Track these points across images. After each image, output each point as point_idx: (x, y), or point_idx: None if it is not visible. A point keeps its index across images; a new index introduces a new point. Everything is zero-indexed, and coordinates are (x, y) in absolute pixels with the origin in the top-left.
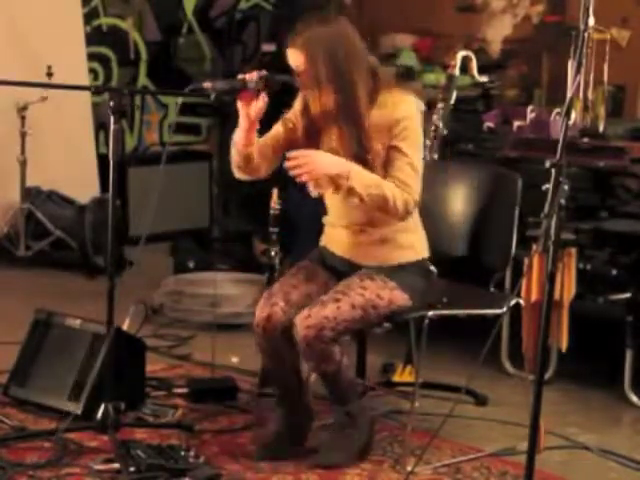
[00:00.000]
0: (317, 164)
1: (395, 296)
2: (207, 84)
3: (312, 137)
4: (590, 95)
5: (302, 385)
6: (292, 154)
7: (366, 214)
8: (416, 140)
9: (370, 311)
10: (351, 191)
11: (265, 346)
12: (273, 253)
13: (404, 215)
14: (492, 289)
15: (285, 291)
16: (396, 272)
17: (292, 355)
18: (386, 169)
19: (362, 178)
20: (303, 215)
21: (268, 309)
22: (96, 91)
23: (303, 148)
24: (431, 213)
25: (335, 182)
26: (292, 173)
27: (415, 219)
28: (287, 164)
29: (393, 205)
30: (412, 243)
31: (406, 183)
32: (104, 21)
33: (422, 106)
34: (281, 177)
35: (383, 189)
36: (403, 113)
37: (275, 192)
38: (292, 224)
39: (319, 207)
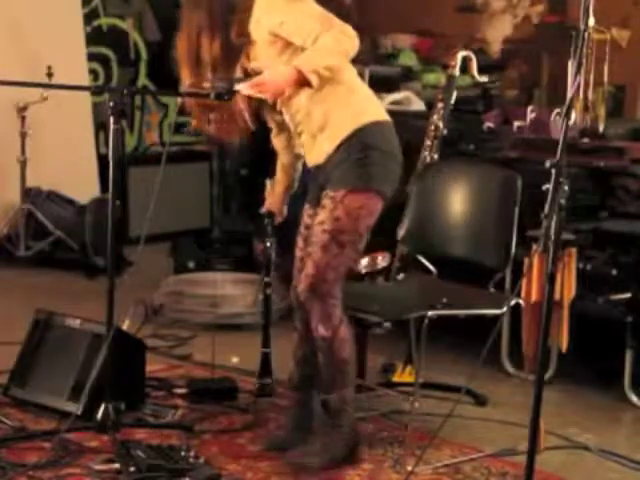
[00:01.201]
0: (272, 85)
1: (351, 202)
2: (206, 84)
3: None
4: (590, 95)
5: None
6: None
7: (300, 108)
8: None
9: (342, 237)
10: (311, 77)
11: (302, 317)
12: (269, 244)
13: (352, 42)
14: (492, 289)
15: (297, 269)
16: (341, 164)
17: None
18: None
19: (305, 62)
20: (298, 213)
21: (293, 292)
22: (96, 91)
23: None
24: (431, 213)
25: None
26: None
27: (342, 90)
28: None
29: (343, 41)
30: (345, 117)
31: (319, 33)
32: (104, 21)
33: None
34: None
35: (321, 48)
36: None
37: (268, 183)
38: (287, 221)
39: None
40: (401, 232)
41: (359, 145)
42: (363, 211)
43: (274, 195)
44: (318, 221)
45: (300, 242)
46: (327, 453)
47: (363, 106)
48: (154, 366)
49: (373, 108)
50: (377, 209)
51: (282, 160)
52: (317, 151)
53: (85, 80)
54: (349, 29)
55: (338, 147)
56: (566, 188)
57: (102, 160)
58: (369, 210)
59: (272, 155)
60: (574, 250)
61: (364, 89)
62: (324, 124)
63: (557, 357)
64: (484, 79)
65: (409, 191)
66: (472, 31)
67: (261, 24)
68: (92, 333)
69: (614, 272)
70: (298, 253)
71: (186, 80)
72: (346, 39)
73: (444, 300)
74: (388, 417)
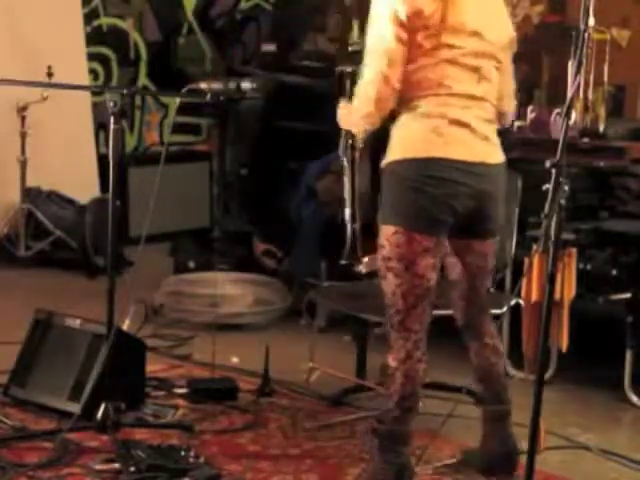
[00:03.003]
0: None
1: (385, 231)
2: (204, 85)
3: None
4: (590, 95)
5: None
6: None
7: None
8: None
9: (392, 265)
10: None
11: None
12: None
13: (366, 101)
14: (492, 289)
15: None
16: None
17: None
18: None
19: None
20: (303, 218)
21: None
22: (96, 91)
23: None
24: None
25: None
26: None
27: (413, 114)
28: None
29: (358, 104)
30: (396, 142)
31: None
32: (104, 21)
33: None
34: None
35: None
36: None
37: None
38: (292, 226)
39: (319, 213)
40: None
41: (391, 178)
42: (399, 239)
43: None
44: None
45: None
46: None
47: (421, 138)
48: (154, 366)
49: (429, 143)
50: (411, 240)
51: None
52: None
53: (85, 80)
54: (364, 87)
55: (384, 168)
56: (566, 188)
57: (102, 160)
58: (402, 241)
59: (272, 156)
60: (574, 250)
61: (441, 121)
62: (391, 137)
63: (557, 357)
64: None
65: None
66: None
67: None
68: (92, 333)
69: (614, 272)
70: None
71: None
72: (362, 96)
73: (444, 300)
74: None
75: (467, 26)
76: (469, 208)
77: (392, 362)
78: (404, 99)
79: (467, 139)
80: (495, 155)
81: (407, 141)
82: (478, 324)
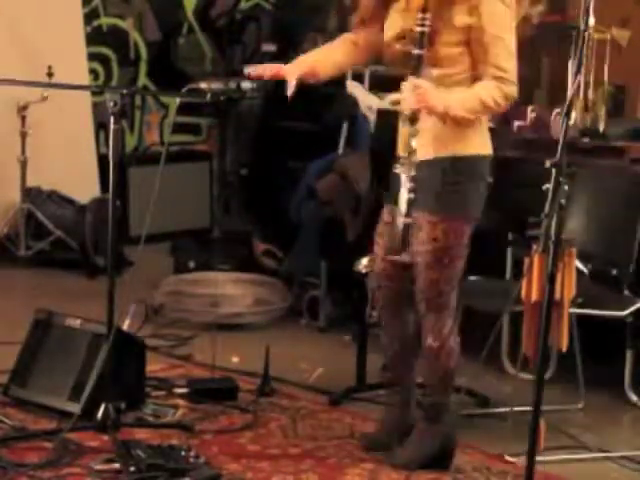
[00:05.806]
0: (427, 100)
1: (446, 226)
2: (204, 85)
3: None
4: (590, 95)
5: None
6: (411, 83)
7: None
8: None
9: (446, 253)
10: (453, 116)
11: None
12: None
13: (507, 106)
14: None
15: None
16: (431, 181)
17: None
18: (480, 55)
19: (458, 103)
20: (302, 218)
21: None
22: (96, 91)
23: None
24: None
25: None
26: (405, 99)
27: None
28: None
29: (494, 104)
30: (464, 137)
31: (504, 69)
32: (104, 21)
33: None
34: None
35: (479, 96)
36: None
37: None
38: (292, 226)
39: (319, 213)
40: None
41: (457, 172)
42: (467, 231)
43: (302, 59)
44: (419, 241)
45: (377, 237)
46: (419, 449)
47: (486, 137)
48: (154, 366)
49: (489, 142)
50: (469, 229)
51: (353, 42)
52: (420, 148)
53: (85, 80)
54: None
55: (432, 161)
56: (566, 188)
57: (102, 160)
58: (461, 231)
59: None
60: (574, 250)
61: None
62: (441, 129)
63: (557, 357)
64: None
65: None
66: None
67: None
68: (92, 333)
69: (614, 272)
70: (376, 248)
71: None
72: (504, 99)
73: None
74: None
75: None
76: None
77: (434, 342)
78: None
79: None
80: None
81: (484, 137)
82: None
